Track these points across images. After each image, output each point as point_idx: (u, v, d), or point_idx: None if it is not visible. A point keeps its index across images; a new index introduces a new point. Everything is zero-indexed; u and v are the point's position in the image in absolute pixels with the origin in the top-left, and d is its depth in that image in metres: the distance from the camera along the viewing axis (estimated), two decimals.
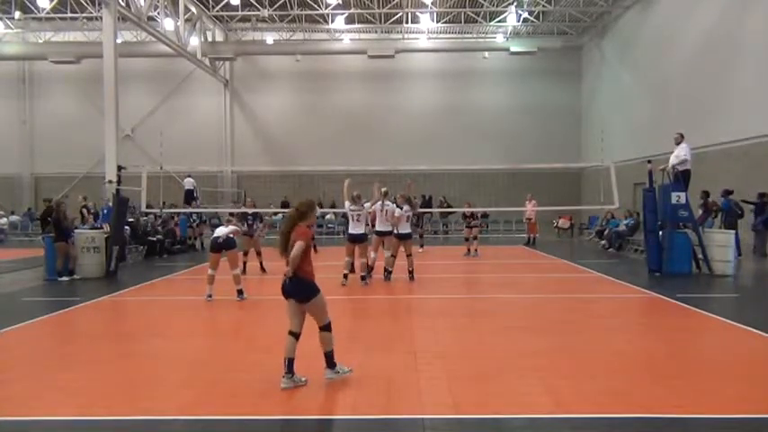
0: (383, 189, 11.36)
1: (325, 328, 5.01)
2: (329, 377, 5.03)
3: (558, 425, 4.27)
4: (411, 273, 11.37)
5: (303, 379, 4.96)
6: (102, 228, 13.69)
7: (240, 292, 9.33)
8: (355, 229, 10.85)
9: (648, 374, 5.39)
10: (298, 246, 4.86)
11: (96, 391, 5.02)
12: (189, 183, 21.98)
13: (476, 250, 16.28)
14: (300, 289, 4.97)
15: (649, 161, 12.83)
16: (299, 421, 4.39)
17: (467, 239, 16.72)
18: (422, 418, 4.30)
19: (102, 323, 8.38)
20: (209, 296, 9.26)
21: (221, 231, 9.48)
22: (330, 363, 5.04)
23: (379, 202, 11.18)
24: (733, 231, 12.43)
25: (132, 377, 5.46)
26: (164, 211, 17.93)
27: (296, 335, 5.00)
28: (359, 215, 10.84)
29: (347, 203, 10.93)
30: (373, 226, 11.44)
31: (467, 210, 17.12)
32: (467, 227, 16.89)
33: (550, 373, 5.37)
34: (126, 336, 7.34)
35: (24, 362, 6.03)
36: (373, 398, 4.82)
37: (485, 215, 24.30)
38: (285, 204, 27.25)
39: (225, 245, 9.36)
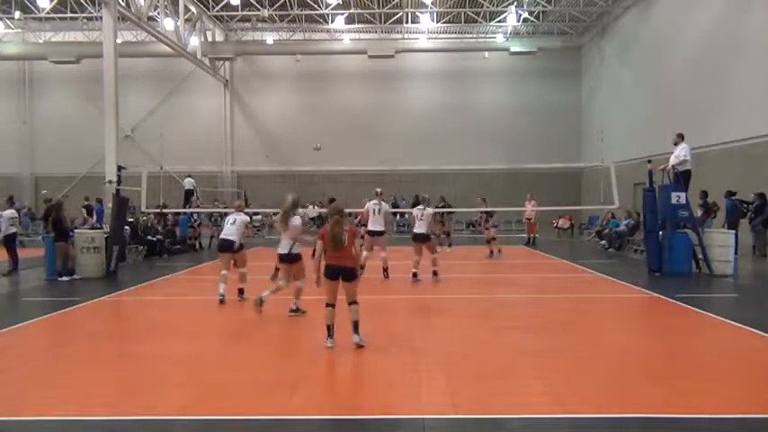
0: (377, 189, 11.49)
1: (355, 302, 6.28)
2: (356, 341, 6.14)
3: (558, 425, 4.26)
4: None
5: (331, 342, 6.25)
6: (102, 228, 13.69)
7: (241, 292, 9.20)
8: (374, 225, 11.28)
9: (648, 374, 5.38)
10: (358, 243, 6.46)
11: (96, 391, 5.02)
12: (189, 183, 21.96)
13: (499, 251, 15.60)
14: (354, 272, 6.38)
15: (649, 161, 12.83)
16: (299, 421, 4.38)
17: (488, 241, 15.90)
18: (422, 418, 4.30)
19: (102, 323, 8.37)
20: (222, 297, 8.92)
21: (231, 231, 9.20)
22: (356, 329, 6.20)
23: (373, 202, 11.30)
24: (733, 231, 12.43)
25: (132, 377, 5.46)
26: (163, 210, 17.92)
27: (333, 305, 6.29)
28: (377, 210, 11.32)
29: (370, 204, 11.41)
30: (365, 226, 11.72)
31: (481, 209, 16.17)
32: (485, 228, 16.08)
33: (550, 373, 5.37)
34: (126, 336, 7.34)
35: (24, 362, 6.02)
36: (373, 398, 4.83)
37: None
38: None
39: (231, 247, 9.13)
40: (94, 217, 15.91)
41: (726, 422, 4.27)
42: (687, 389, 4.94)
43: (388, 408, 4.59)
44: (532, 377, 5.25)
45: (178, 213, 19.09)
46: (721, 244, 11.67)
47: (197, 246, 18.73)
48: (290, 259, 8.06)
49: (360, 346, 6.11)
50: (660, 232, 11.96)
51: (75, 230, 12.78)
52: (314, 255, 6.60)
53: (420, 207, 11.70)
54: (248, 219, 9.71)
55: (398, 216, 26.67)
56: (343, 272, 6.27)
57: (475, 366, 5.63)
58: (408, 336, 6.97)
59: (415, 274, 11.11)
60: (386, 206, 11.46)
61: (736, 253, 12.24)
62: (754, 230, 14.66)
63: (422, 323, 7.71)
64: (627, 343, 6.64)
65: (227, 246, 9.21)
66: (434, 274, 11.25)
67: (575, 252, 17.55)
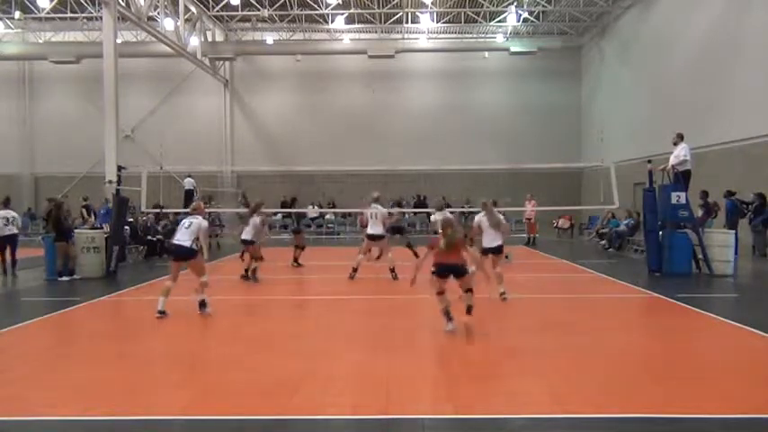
0: (374, 194, 11.64)
1: (470, 290, 6.87)
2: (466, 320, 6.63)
3: (558, 425, 4.26)
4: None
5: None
6: (101, 228, 13.69)
7: (203, 304, 8.20)
8: (373, 229, 11.36)
9: (648, 374, 5.39)
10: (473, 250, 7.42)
11: (96, 391, 5.01)
12: (189, 183, 21.96)
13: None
14: (464, 269, 6.98)
15: (649, 161, 12.83)
16: (298, 421, 4.38)
17: None
18: (422, 418, 4.30)
19: (102, 323, 8.37)
20: (161, 312, 7.98)
21: (184, 236, 8.08)
22: (469, 311, 6.72)
23: (372, 206, 11.49)
24: (733, 231, 12.43)
25: (132, 377, 5.46)
26: (163, 210, 17.92)
27: (443, 292, 6.97)
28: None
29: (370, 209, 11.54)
30: (365, 228, 11.80)
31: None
32: None
33: (550, 372, 5.37)
34: (126, 336, 7.34)
35: (24, 362, 6.02)
36: (373, 398, 4.82)
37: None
38: (285, 204, 27.29)
39: (184, 254, 8.00)
40: (96, 216, 15.92)
41: (726, 422, 4.27)
42: (687, 389, 4.94)
43: (389, 408, 4.59)
44: (532, 377, 5.25)
45: (178, 213, 19.08)
46: (721, 244, 11.67)
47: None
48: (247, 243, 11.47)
49: (467, 329, 6.53)
50: (660, 232, 11.97)
51: (75, 230, 12.78)
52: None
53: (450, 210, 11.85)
54: (206, 223, 8.44)
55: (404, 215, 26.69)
56: (453, 269, 6.91)
57: (475, 366, 5.63)
58: (408, 335, 6.98)
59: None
60: (383, 210, 11.66)
61: (736, 253, 12.25)
62: (753, 230, 14.65)
63: (422, 323, 7.71)
64: (627, 343, 6.64)
65: (179, 253, 8.07)
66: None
67: (575, 252, 17.55)
